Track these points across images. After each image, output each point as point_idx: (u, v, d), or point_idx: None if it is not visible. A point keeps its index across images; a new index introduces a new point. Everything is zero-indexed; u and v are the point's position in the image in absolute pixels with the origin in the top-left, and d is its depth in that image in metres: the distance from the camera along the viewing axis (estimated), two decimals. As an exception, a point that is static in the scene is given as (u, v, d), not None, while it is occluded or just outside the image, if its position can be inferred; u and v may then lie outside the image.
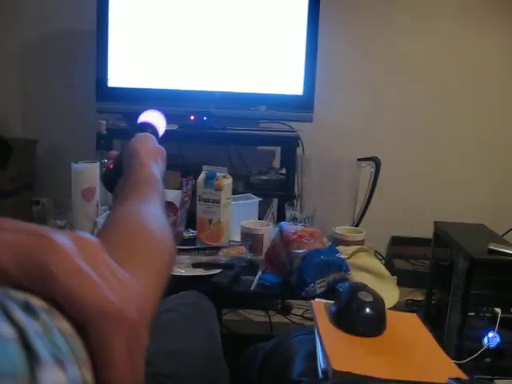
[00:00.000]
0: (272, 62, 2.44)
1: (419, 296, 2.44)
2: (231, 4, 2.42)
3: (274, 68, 2.44)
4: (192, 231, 1.82)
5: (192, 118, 2.43)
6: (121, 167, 0.84)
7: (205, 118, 2.43)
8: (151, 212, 0.66)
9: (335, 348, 0.90)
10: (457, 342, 1.81)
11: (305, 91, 2.43)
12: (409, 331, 1.02)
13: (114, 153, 0.91)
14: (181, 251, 1.60)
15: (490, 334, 1.74)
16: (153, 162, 0.80)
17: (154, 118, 1.00)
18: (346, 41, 2.84)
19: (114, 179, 0.84)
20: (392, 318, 1.02)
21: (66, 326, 0.36)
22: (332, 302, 1.08)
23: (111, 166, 0.90)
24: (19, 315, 0.32)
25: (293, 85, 2.44)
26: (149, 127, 0.95)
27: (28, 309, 0.34)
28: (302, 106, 2.43)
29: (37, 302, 0.35)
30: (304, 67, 2.43)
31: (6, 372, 0.29)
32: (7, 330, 0.31)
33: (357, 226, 2.01)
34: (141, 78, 2.46)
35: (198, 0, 2.42)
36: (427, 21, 2.84)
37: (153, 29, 2.42)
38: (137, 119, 0.98)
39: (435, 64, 2.87)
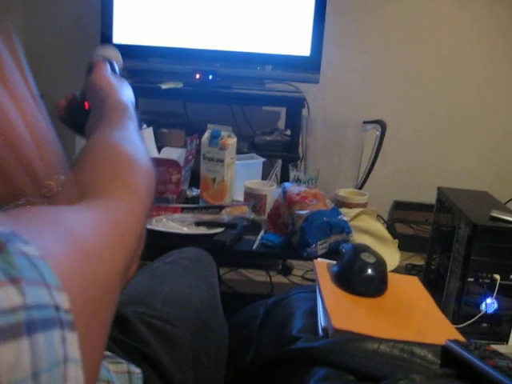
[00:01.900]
0: (280, 21, 2.40)
1: (419, 261, 2.46)
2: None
3: (282, 28, 2.41)
4: (195, 190, 1.82)
5: (197, 76, 2.40)
6: (83, 104, 0.82)
7: (210, 77, 2.41)
8: (124, 136, 0.64)
9: (336, 307, 0.91)
10: (455, 307, 1.82)
11: (312, 52, 2.40)
12: (409, 293, 1.03)
13: (72, 93, 0.87)
14: (184, 210, 1.60)
15: (488, 300, 1.75)
16: (117, 88, 0.78)
17: (109, 53, 0.95)
18: (355, 2, 2.79)
19: (77, 117, 0.82)
20: (393, 279, 1.03)
21: (32, 249, 0.32)
22: (334, 262, 1.08)
23: (63, 104, 0.86)
24: None
25: (300, 45, 2.40)
26: (109, 63, 0.90)
27: None
28: (308, 67, 2.40)
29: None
30: (312, 28, 2.39)
31: None
32: None
33: (360, 188, 2.01)
34: (146, 34, 2.43)
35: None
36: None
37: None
38: (112, 66, 0.91)
39: (443, 29, 2.82)
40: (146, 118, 2.47)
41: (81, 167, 0.57)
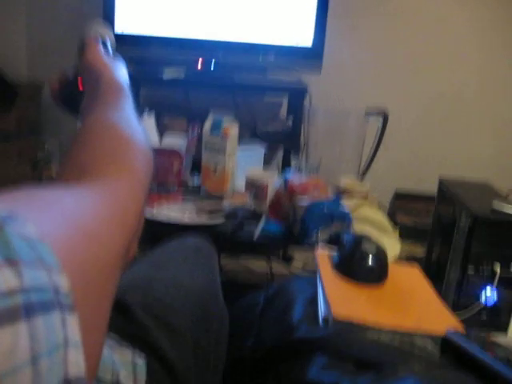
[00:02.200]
0: (282, 12, 2.39)
1: (420, 251, 2.46)
2: None
3: (284, 18, 2.39)
4: (197, 179, 1.82)
5: (199, 65, 2.39)
6: (76, 84, 0.81)
7: (212, 66, 2.40)
8: (122, 116, 0.64)
9: (336, 295, 0.92)
10: (454, 298, 1.83)
11: (314, 43, 2.39)
12: (410, 282, 1.03)
13: (64, 73, 0.87)
14: (185, 199, 1.61)
15: (488, 292, 1.76)
16: (111, 68, 0.77)
17: (101, 31, 0.94)
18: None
19: (71, 98, 0.81)
20: (394, 269, 1.03)
21: (31, 230, 0.32)
22: (335, 251, 1.09)
23: (56, 87, 0.85)
24: None
25: (302, 36, 2.39)
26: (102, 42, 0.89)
27: None
28: (311, 58, 2.39)
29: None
30: (315, 19, 2.38)
31: None
32: None
33: (362, 178, 2.01)
34: (148, 24, 2.42)
35: None
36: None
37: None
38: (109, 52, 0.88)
39: (445, 20, 2.82)
40: (148, 105, 2.46)
41: (79, 148, 0.57)
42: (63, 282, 0.31)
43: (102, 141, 0.57)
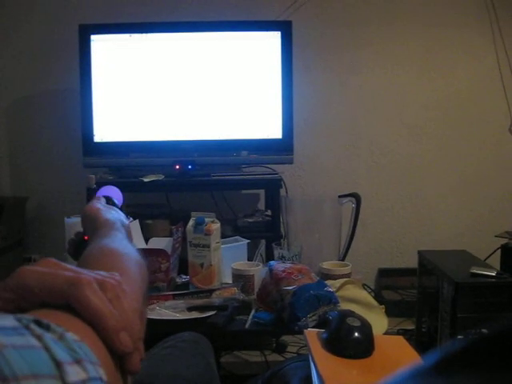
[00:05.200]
0: (251, 109, 2.53)
1: (410, 325, 2.49)
2: (209, 57, 2.52)
3: (253, 115, 2.53)
4: (184, 276, 1.87)
5: (177, 167, 2.50)
6: (83, 238, 0.98)
7: (189, 167, 2.51)
8: (113, 240, 0.76)
9: (329, 372, 0.96)
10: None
11: (283, 134, 2.52)
12: (396, 352, 1.08)
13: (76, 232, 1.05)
14: (175, 296, 1.65)
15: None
16: (103, 212, 0.92)
17: (111, 191, 1.16)
18: (320, 82, 2.94)
19: (81, 249, 0.95)
20: (380, 340, 1.08)
21: (72, 335, 0.43)
22: (323, 330, 1.14)
23: (71, 242, 1.05)
24: (36, 329, 0.40)
25: (272, 129, 2.52)
26: (107, 199, 1.08)
27: (40, 324, 0.41)
28: (282, 149, 2.51)
29: (44, 319, 0.43)
30: (281, 111, 2.52)
31: (45, 373, 0.37)
32: (35, 342, 0.38)
33: (343, 260, 2.07)
34: (125, 131, 2.54)
35: (177, 54, 2.53)
36: (398, 60, 2.96)
37: (134, 84, 2.51)
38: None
39: (409, 101, 2.97)
40: (131, 210, 2.53)
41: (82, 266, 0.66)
42: (103, 373, 0.43)
43: (97, 258, 0.67)
